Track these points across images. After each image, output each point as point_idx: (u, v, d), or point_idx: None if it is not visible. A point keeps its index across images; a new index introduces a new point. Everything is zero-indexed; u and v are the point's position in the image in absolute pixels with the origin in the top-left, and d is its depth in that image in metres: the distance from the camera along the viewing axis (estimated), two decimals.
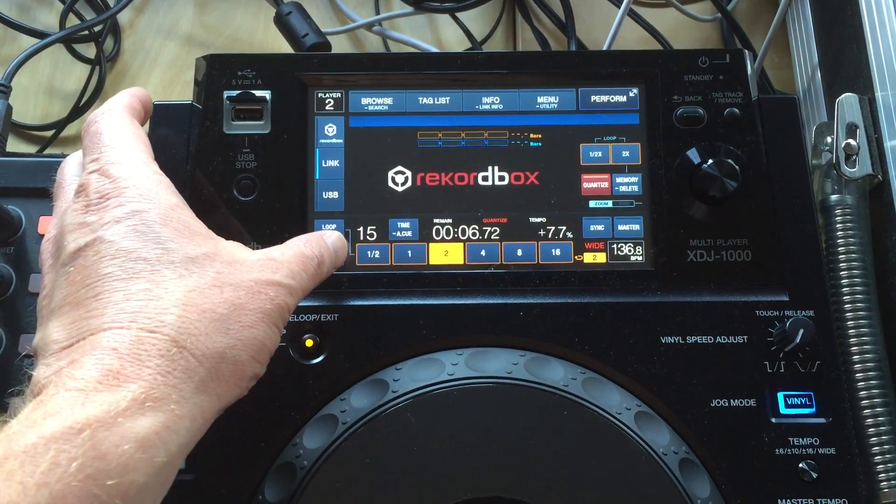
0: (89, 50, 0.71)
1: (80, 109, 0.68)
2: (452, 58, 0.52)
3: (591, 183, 0.50)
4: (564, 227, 0.49)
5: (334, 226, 0.49)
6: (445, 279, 0.48)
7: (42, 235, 0.50)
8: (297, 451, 0.43)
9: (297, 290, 0.40)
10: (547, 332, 0.47)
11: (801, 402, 0.46)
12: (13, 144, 0.68)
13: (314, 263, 0.42)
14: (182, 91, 0.70)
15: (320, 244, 0.44)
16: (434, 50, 0.71)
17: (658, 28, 0.70)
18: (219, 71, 0.51)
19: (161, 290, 0.36)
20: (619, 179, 0.50)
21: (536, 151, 0.50)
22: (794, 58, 0.68)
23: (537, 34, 0.71)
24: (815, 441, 0.45)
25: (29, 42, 0.63)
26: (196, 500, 0.44)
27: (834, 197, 0.51)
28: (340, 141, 0.50)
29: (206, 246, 0.39)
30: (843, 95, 0.53)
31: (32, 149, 0.68)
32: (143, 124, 0.45)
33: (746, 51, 0.52)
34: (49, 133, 0.68)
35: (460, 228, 0.49)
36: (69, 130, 0.68)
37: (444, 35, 0.73)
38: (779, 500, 0.44)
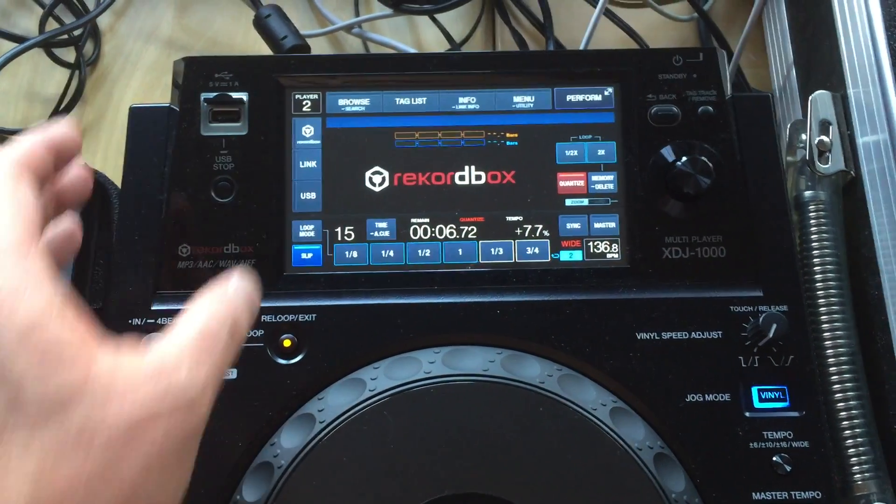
0: (69, 54, 0.71)
1: (60, 114, 0.68)
2: (428, 58, 0.52)
3: (567, 181, 0.50)
4: (541, 226, 0.50)
5: (312, 226, 0.50)
6: (423, 278, 0.49)
7: None
8: (275, 450, 0.44)
9: (203, 391, 0.32)
10: (524, 330, 0.47)
11: (774, 396, 0.46)
12: None
13: (225, 331, 0.34)
14: (163, 94, 0.69)
15: (226, 302, 0.35)
16: (413, 51, 0.71)
17: (635, 28, 0.70)
18: (196, 73, 0.51)
19: (3, 478, 0.26)
20: (594, 178, 0.50)
21: (513, 151, 0.51)
22: (770, 56, 0.69)
23: (516, 35, 0.72)
24: (789, 434, 0.45)
25: (8, 47, 0.63)
26: None
27: (808, 193, 0.52)
28: (318, 142, 0.51)
29: (74, 373, 0.28)
30: (816, 92, 0.53)
31: None
32: (66, 163, 0.38)
33: (720, 49, 0.52)
34: None
35: (437, 228, 0.50)
36: None
37: (423, 37, 0.74)
38: (753, 494, 0.44)
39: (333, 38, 0.74)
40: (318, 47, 0.72)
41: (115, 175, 0.54)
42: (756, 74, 0.70)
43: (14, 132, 0.68)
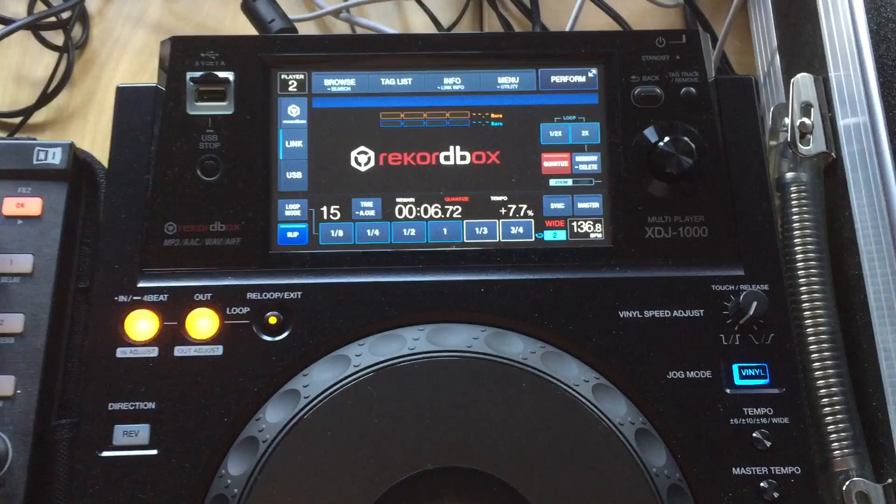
0: (58, 37, 0.71)
1: (48, 97, 0.68)
2: (414, 39, 0.52)
3: (551, 162, 0.51)
4: (525, 206, 0.50)
5: (298, 205, 0.50)
6: (408, 257, 0.49)
7: (5, 216, 0.50)
8: (260, 425, 0.44)
9: None
10: (508, 308, 0.48)
11: (755, 373, 0.47)
12: None
13: None
14: (150, 78, 0.69)
15: None
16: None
17: (622, 14, 0.71)
18: (182, 53, 0.51)
19: None
20: (578, 158, 0.51)
21: (497, 131, 0.51)
22: (754, 42, 0.69)
23: (503, 21, 0.72)
24: (769, 411, 0.46)
25: None
26: (159, 475, 0.44)
27: (789, 175, 0.52)
28: (304, 122, 0.51)
29: None
30: (798, 75, 0.54)
31: (0, 136, 0.68)
32: None
33: (703, 32, 0.53)
34: (17, 120, 0.68)
35: (423, 207, 0.50)
36: (37, 117, 0.68)
37: (411, 21, 0.74)
38: (733, 469, 0.45)
39: (321, 23, 0.74)
40: (306, 31, 0.73)
41: (104, 157, 0.54)
42: (741, 62, 0.70)
43: (1, 115, 0.68)
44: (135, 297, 0.47)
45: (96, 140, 0.68)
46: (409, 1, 0.73)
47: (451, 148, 0.51)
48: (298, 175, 0.50)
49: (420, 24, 0.73)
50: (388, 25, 0.72)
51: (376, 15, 0.74)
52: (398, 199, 0.50)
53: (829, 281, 0.50)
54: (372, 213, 0.50)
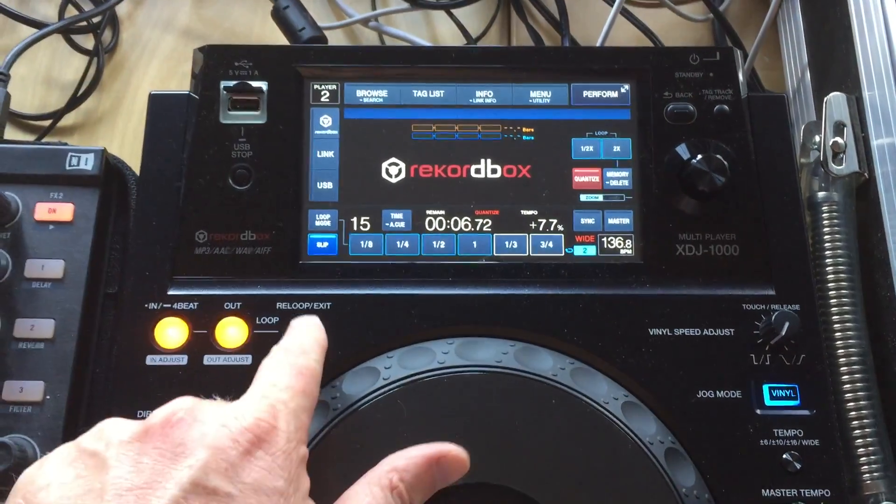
0: (88, 41, 0.71)
1: (77, 100, 0.68)
2: (447, 52, 0.52)
3: (582, 177, 0.51)
4: (555, 220, 0.50)
5: (328, 216, 0.50)
6: (437, 270, 0.49)
7: (37, 222, 0.50)
8: None
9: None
10: (537, 323, 0.47)
11: (785, 394, 0.46)
12: (10, 133, 0.68)
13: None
14: (179, 83, 0.70)
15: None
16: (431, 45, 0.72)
17: (651, 28, 0.71)
18: (216, 61, 0.51)
19: None
20: (609, 174, 0.51)
21: (529, 145, 0.51)
22: (784, 58, 0.69)
23: (531, 32, 0.72)
24: (800, 433, 0.46)
25: (28, 32, 0.63)
26: None
27: (821, 194, 0.52)
28: (335, 132, 0.51)
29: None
30: (831, 94, 0.54)
31: (30, 138, 0.68)
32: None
33: (737, 49, 0.52)
34: (46, 123, 0.68)
35: (453, 220, 0.50)
36: (66, 121, 0.69)
37: (439, 31, 0.74)
38: (763, 491, 0.44)
39: (350, 31, 0.74)
40: (335, 40, 0.73)
41: (131, 161, 0.54)
42: (769, 76, 0.70)
43: (31, 117, 0.69)
44: (165, 305, 0.47)
45: (125, 144, 0.68)
46: (438, 11, 0.73)
47: (483, 161, 0.51)
48: (329, 185, 0.50)
49: (448, 34, 0.73)
50: (416, 35, 0.72)
51: (405, 24, 0.74)
52: (428, 212, 0.50)
53: (860, 302, 0.50)
54: (402, 224, 0.50)
